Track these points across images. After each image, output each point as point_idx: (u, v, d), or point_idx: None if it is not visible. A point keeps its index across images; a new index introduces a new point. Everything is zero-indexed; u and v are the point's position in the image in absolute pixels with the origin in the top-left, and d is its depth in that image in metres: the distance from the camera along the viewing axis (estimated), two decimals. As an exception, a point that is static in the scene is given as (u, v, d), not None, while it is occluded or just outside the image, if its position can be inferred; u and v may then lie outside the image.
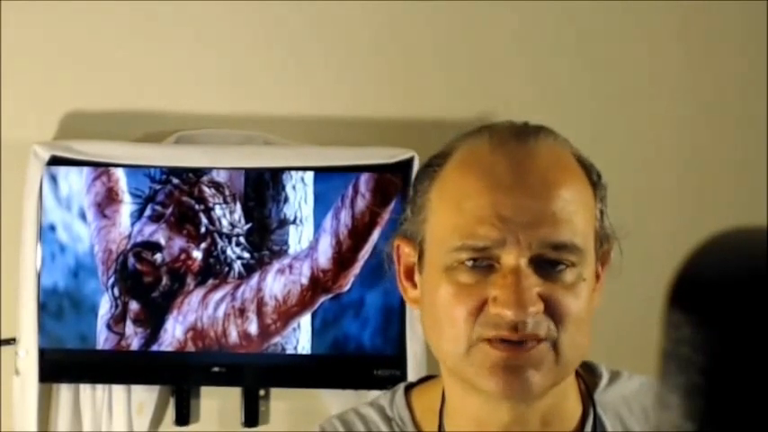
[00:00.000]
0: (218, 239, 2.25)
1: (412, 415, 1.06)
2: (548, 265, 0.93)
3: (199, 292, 2.25)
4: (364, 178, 2.23)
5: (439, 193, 0.98)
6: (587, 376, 1.05)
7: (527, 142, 0.96)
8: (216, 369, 2.25)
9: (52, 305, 2.24)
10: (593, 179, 0.99)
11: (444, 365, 1.00)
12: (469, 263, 0.94)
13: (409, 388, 1.09)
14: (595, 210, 0.98)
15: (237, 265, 2.24)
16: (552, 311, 0.93)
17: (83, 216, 2.25)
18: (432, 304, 0.97)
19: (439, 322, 0.96)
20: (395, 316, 2.22)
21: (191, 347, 2.25)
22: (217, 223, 2.25)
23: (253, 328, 2.24)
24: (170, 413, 2.34)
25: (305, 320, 2.24)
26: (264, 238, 2.25)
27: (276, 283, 2.24)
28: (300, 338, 2.24)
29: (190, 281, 2.25)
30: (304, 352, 2.24)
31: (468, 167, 0.97)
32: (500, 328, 0.92)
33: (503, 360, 0.92)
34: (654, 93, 2.40)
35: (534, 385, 0.93)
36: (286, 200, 2.25)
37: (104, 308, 2.25)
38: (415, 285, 1.02)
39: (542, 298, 0.92)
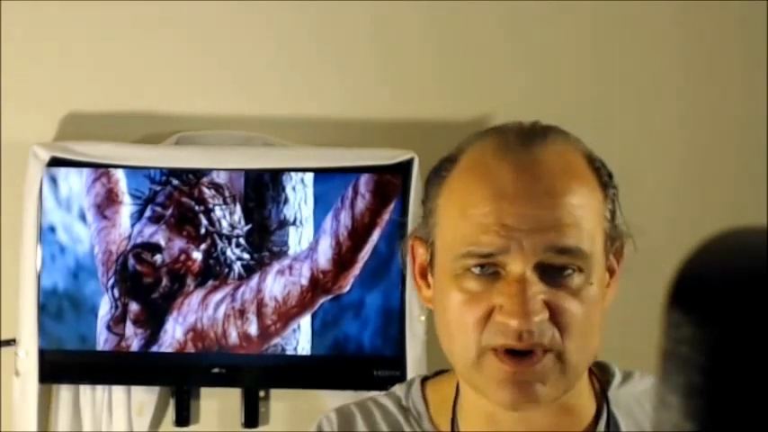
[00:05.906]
0: (218, 240, 2.24)
1: (427, 407, 1.08)
2: (553, 270, 0.93)
3: (199, 294, 2.25)
4: (364, 179, 2.23)
5: (446, 200, 0.99)
6: (600, 375, 1.07)
7: (533, 147, 0.96)
8: (216, 370, 2.26)
9: (52, 306, 2.24)
10: (604, 179, 0.99)
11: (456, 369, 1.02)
12: (476, 269, 0.95)
13: (425, 380, 1.11)
14: (605, 211, 0.98)
15: (237, 267, 2.24)
16: (557, 319, 0.93)
17: (83, 217, 2.25)
18: (443, 310, 0.99)
19: (450, 329, 0.98)
20: (394, 317, 2.22)
21: (191, 348, 2.25)
22: (217, 224, 2.25)
23: (253, 329, 2.24)
24: (170, 414, 2.34)
25: (305, 321, 2.24)
26: (264, 240, 2.25)
27: (276, 285, 2.24)
28: (300, 339, 2.24)
29: (190, 282, 2.25)
30: (304, 353, 2.24)
31: (473, 175, 0.97)
32: (506, 337, 0.93)
33: (510, 375, 0.94)
34: (654, 93, 2.40)
35: (542, 397, 0.95)
36: (286, 201, 2.25)
37: (104, 309, 2.25)
38: (428, 284, 1.04)
39: (547, 305, 0.93)
